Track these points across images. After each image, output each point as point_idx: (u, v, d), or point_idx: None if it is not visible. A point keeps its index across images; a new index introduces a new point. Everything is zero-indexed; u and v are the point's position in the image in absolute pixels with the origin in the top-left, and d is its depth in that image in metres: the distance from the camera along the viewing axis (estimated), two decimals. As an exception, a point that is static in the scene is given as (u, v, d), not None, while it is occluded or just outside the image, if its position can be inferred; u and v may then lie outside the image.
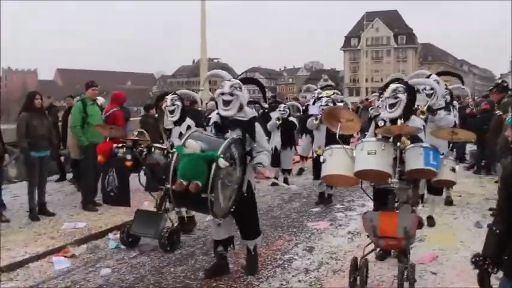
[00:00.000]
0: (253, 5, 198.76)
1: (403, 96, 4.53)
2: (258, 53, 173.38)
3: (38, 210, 6.88)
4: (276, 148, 9.43)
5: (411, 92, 4.64)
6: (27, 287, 4.60)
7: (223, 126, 4.52)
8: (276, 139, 9.55)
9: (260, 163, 4.47)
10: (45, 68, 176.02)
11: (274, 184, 9.18)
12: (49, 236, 6.01)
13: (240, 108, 4.52)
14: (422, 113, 5.64)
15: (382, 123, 4.58)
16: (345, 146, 4.25)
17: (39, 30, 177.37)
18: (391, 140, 4.19)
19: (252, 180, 4.63)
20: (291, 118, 9.70)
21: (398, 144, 4.06)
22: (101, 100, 9.17)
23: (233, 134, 4.42)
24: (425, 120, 5.79)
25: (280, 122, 9.53)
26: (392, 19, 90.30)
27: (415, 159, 4.06)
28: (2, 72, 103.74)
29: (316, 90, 9.08)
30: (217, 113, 4.64)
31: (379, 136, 4.43)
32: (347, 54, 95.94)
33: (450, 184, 4.83)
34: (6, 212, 6.91)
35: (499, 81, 8.33)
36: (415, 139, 4.29)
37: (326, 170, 4.31)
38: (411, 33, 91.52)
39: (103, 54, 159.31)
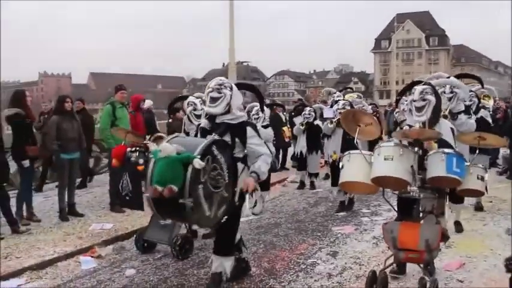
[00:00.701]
0: (282, 7, 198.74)
1: (432, 98, 4.26)
2: (288, 56, 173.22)
3: (68, 211, 7.06)
4: (301, 152, 9.45)
5: (437, 93, 4.42)
6: (55, 285, 4.73)
7: (211, 130, 4.17)
8: (302, 143, 9.49)
9: (255, 172, 4.09)
10: (79, 71, 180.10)
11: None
12: (77, 236, 6.17)
13: (228, 109, 4.17)
14: (445, 117, 5.19)
15: (408, 128, 4.36)
16: (363, 152, 4.08)
17: (73, 37, 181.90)
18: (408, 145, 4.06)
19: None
20: (316, 122, 9.50)
21: (416, 149, 3.88)
22: (148, 103, 9.48)
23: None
24: None
25: (305, 126, 9.40)
26: (424, 20, 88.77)
27: (437, 166, 3.84)
28: (38, 76, 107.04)
29: (335, 93, 8.98)
30: (206, 118, 4.38)
31: (397, 140, 4.22)
32: (377, 56, 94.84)
33: (477, 194, 4.50)
34: (38, 213, 7.12)
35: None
36: (443, 144, 4.07)
37: (344, 177, 4.15)
38: (443, 35, 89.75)
39: (135, 58, 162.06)
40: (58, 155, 6.99)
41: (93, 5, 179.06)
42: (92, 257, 5.48)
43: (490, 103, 8.40)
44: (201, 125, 4.37)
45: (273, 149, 7.72)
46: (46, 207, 7.74)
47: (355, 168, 4.05)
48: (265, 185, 7.41)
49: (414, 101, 4.32)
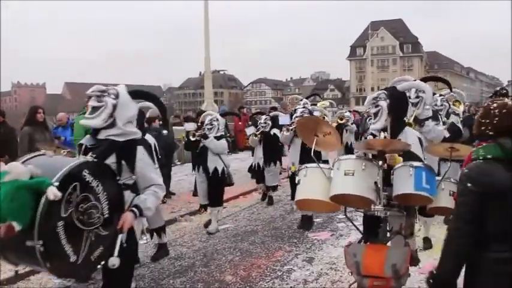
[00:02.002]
0: (258, 16, 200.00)
1: (383, 104, 3.86)
2: (265, 64, 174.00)
3: None
4: (258, 164, 8.79)
5: (397, 98, 3.96)
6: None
7: (93, 148, 3.18)
8: (258, 154, 8.79)
9: (137, 206, 3.09)
10: (54, 81, 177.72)
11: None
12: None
13: (113, 123, 3.17)
14: (409, 124, 4.70)
15: (372, 137, 3.95)
16: (321, 165, 3.63)
17: (47, 43, 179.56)
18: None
19: (139, 227, 3.27)
20: (273, 131, 8.64)
21: (381, 163, 3.45)
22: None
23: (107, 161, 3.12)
24: None
25: (259, 137, 8.66)
26: (398, 28, 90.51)
27: (404, 182, 3.40)
28: (11, 86, 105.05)
29: (302, 100, 8.32)
30: (90, 133, 3.36)
31: (359, 153, 3.86)
32: (353, 63, 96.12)
33: (450, 213, 3.81)
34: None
35: (498, 88, 8.26)
36: (410, 156, 3.61)
37: (299, 194, 3.69)
38: (417, 42, 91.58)
39: (110, 67, 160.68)
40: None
41: (69, 13, 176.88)
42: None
43: (460, 108, 8.05)
44: (82, 141, 3.33)
45: (228, 162, 7.18)
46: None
47: (312, 184, 3.57)
48: (217, 201, 7.03)
49: (369, 108, 4.05)
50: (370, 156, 3.69)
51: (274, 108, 12.87)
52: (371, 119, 9.09)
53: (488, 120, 2.33)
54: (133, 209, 3.08)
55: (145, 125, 8.92)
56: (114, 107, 3.17)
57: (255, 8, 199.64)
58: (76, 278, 3.10)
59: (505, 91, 7.42)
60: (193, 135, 7.00)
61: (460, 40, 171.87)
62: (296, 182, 3.76)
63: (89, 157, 3.06)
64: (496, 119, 2.30)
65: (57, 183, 2.66)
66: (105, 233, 2.95)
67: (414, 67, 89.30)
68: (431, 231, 5.87)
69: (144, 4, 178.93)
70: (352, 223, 3.96)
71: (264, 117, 9.01)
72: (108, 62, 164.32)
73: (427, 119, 5.16)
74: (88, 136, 3.35)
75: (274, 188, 8.98)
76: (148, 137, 5.33)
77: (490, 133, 2.32)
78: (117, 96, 3.22)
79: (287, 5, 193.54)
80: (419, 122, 5.09)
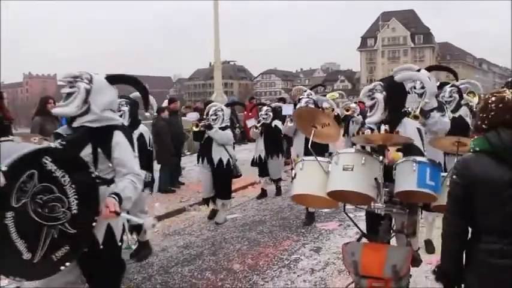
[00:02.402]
0: (269, 6, 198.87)
1: (379, 96, 3.65)
2: (275, 55, 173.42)
3: None
4: (260, 157, 8.53)
5: (393, 89, 3.75)
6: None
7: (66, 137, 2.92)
8: (260, 147, 8.56)
9: (116, 195, 2.77)
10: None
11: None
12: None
13: (87, 110, 2.92)
14: (416, 117, 4.54)
15: (370, 131, 3.71)
16: (319, 158, 3.41)
17: (58, 36, 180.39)
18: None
19: (118, 224, 2.95)
20: (275, 122, 8.47)
21: (382, 158, 3.25)
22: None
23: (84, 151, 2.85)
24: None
25: (261, 128, 8.47)
26: (409, 19, 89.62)
27: (406, 178, 3.20)
28: (23, 77, 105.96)
29: (305, 91, 8.07)
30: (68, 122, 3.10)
31: (359, 146, 3.70)
32: (363, 54, 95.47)
33: None
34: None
35: (510, 79, 8.11)
36: (410, 149, 3.43)
37: (295, 188, 3.49)
38: (428, 33, 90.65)
39: (121, 58, 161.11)
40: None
41: (82, 5, 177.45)
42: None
43: (474, 100, 7.84)
44: (58, 131, 3.10)
45: (233, 152, 7.05)
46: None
47: (309, 178, 3.38)
48: (226, 193, 6.97)
49: (365, 99, 3.85)
50: (370, 150, 3.54)
51: (282, 99, 12.68)
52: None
53: (485, 114, 2.32)
54: (114, 196, 2.75)
55: (155, 114, 8.91)
56: (88, 92, 2.95)
57: (262, 0, 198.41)
58: (31, 279, 2.59)
59: (516, 82, 7.32)
60: (196, 126, 6.89)
61: (472, 32, 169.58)
62: (293, 175, 3.56)
63: (54, 144, 2.75)
64: (492, 113, 2.29)
65: (4, 168, 2.33)
66: (72, 231, 2.61)
67: (426, 58, 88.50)
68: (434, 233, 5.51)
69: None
70: (351, 220, 3.79)
71: (265, 108, 8.80)
72: (119, 55, 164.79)
73: (431, 110, 4.90)
74: (65, 126, 3.11)
75: (279, 181, 8.81)
76: (142, 128, 5.28)
77: (485, 127, 2.32)
78: (90, 80, 2.99)
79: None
80: (424, 114, 4.84)
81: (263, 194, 8.72)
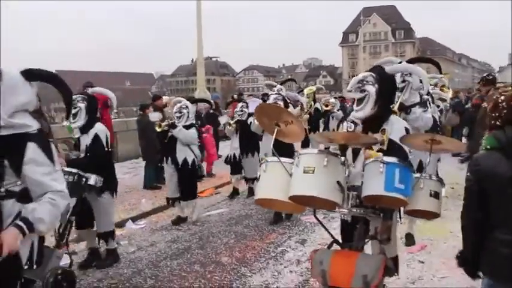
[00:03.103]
0: (250, 2, 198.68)
1: (372, 89, 3.28)
2: (257, 51, 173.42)
3: None
4: (234, 155, 8.17)
5: (386, 82, 3.38)
6: (28, 282, 4.77)
7: None
8: (234, 145, 8.18)
9: (25, 219, 2.30)
10: (45, 69, 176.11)
11: None
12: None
13: None
14: (393, 112, 4.12)
15: (352, 127, 3.36)
16: (283, 159, 3.10)
17: (37, 33, 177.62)
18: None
19: (24, 248, 2.40)
20: (251, 119, 7.61)
21: (343, 159, 2.95)
22: (166, 99, 9.43)
23: None
24: None
25: (234, 126, 8.09)
26: (390, 14, 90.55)
27: (373, 181, 2.89)
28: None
29: (275, 87, 7.77)
30: None
31: (321, 146, 3.46)
32: (345, 50, 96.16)
33: (430, 216, 3.44)
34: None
35: (485, 74, 8.38)
36: (393, 149, 3.14)
37: (258, 192, 3.20)
38: (409, 28, 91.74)
39: (102, 56, 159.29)
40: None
41: (59, 3, 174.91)
42: (66, 253, 5.51)
43: (448, 95, 7.87)
44: None
45: (198, 152, 6.76)
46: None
47: (272, 181, 3.11)
48: (191, 193, 6.68)
49: (352, 91, 3.46)
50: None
51: (266, 95, 12.76)
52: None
53: (497, 113, 2.45)
54: (19, 223, 2.29)
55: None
56: None
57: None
58: None
59: (491, 77, 7.55)
60: (159, 126, 6.59)
61: (451, 27, 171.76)
62: (257, 177, 3.23)
63: None
64: (504, 111, 2.42)
65: None
66: None
67: (406, 53, 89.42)
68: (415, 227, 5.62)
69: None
70: (321, 224, 3.45)
71: (240, 104, 8.25)
72: (99, 52, 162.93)
73: (413, 105, 4.69)
74: None
75: (254, 181, 7.85)
76: (99, 128, 4.86)
77: (499, 124, 2.44)
78: None
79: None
80: (405, 109, 4.61)
81: (235, 192, 8.45)
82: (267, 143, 6.35)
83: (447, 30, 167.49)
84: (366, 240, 3.21)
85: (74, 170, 4.45)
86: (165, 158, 6.72)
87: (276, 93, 6.86)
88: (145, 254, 5.46)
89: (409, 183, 2.95)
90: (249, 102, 7.72)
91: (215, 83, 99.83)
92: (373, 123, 3.31)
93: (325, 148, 3.37)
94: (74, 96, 4.45)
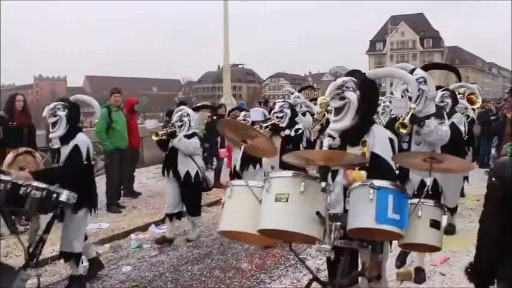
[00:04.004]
0: (277, 10, 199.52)
1: (353, 97, 2.89)
2: (283, 58, 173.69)
3: None
4: (235, 167, 6.91)
5: (368, 88, 2.99)
6: (54, 281, 4.92)
7: None
8: (236, 156, 7.15)
9: None
10: (74, 75, 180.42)
11: None
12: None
13: None
14: (403, 125, 3.88)
15: (327, 142, 2.77)
16: (251, 183, 2.68)
17: (68, 39, 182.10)
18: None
19: None
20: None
21: (324, 184, 2.42)
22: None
23: None
24: (410, 135, 4.16)
25: None
26: (418, 22, 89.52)
27: (362, 211, 2.45)
28: (33, 80, 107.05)
29: (293, 94, 7.36)
30: None
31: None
32: (372, 58, 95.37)
33: (429, 250, 2.96)
34: (36, 213, 7.28)
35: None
36: (379, 168, 2.74)
37: (221, 222, 2.76)
38: (437, 36, 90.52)
39: (130, 61, 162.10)
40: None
41: (89, 6, 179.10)
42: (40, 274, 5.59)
43: (476, 104, 7.48)
44: None
45: (202, 163, 6.18)
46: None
47: (238, 209, 2.66)
48: (196, 209, 6.16)
49: (331, 99, 3.05)
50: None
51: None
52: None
53: None
54: None
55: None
56: None
57: (272, 3, 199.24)
58: None
59: (521, 87, 7.38)
60: (156, 134, 5.96)
61: (482, 35, 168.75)
62: (222, 204, 2.82)
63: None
64: None
65: None
66: None
67: (435, 62, 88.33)
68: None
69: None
70: (299, 259, 3.15)
71: (243, 113, 7.48)
72: (127, 57, 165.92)
73: (427, 116, 4.16)
74: None
75: None
76: (80, 138, 4.43)
77: None
78: None
79: (305, 0, 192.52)
80: (418, 121, 4.11)
81: None
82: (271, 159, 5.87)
83: (477, 39, 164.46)
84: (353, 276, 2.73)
85: (43, 185, 3.95)
86: (166, 171, 6.09)
87: (282, 101, 6.57)
88: (167, 258, 5.55)
89: (405, 212, 2.50)
90: (250, 111, 7.21)
91: (241, 90, 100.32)
92: (353, 136, 2.91)
93: (301, 170, 2.75)
94: (53, 104, 4.46)
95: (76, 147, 4.34)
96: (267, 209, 2.47)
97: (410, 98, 4.13)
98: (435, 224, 2.71)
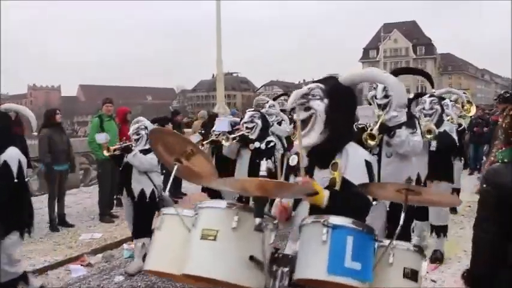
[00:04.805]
0: (269, 18, 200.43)
1: (319, 106, 2.40)
2: (277, 66, 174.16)
3: (58, 222, 7.22)
4: None
5: (341, 97, 2.47)
6: (45, 292, 4.90)
7: None
8: None
9: None
10: (68, 84, 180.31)
11: None
12: (67, 245, 6.34)
13: None
14: (371, 137, 3.52)
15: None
16: (181, 210, 2.19)
17: (60, 48, 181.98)
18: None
19: None
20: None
21: (258, 221, 1.85)
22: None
23: None
24: (379, 147, 3.78)
25: (207, 146, 6.58)
26: (411, 30, 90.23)
27: (311, 256, 1.90)
28: (27, 89, 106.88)
29: (267, 103, 6.94)
30: None
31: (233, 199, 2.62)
32: (365, 66, 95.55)
33: None
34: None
35: (502, 91, 8.29)
36: (350, 196, 2.22)
37: (147, 259, 2.24)
38: (430, 44, 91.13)
39: (124, 70, 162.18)
40: (49, 167, 7.17)
41: (83, 15, 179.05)
42: (81, 265, 5.66)
43: (471, 112, 7.31)
44: None
45: (159, 181, 5.42)
46: (37, 218, 7.81)
47: (166, 244, 2.16)
48: (142, 231, 5.27)
49: (291, 110, 2.75)
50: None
51: (283, 111, 12.52)
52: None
53: None
54: None
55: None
56: None
57: (265, 10, 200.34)
58: None
59: (508, 95, 7.47)
60: (107, 150, 5.52)
61: (473, 42, 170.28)
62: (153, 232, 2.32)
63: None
64: None
65: None
66: None
67: (427, 69, 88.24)
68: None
69: (153, 4, 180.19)
70: None
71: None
72: (119, 65, 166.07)
73: (399, 126, 3.75)
74: None
75: None
76: (10, 153, 4.06)
77: None
78: None
79: (298, 7, 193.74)
80: (387, 131, 3.73)
81: None
82: (240, 170, 5.49)
83: (469, 46, 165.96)
84: None
85: None
86: (121, 188, 5.51)
87: (253, 110, 5.95)
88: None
89: (370, 259, 1.92)
90: (216, 120, 6.53)
91: (236, 98, 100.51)
92: (323, 155, 2.38)
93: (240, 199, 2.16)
94: None
95: (5, 164, 3.96)
96: (192, 248, 1.95)
97: (379, 106, 3.82)
98: (411, 275, 2.05)
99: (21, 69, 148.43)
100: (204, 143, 6.53)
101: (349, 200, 2.20)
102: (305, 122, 2.43)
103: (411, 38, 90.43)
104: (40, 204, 8.72)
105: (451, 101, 6.96)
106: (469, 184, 9.70)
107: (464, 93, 7.87)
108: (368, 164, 2.41)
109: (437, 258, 5.33)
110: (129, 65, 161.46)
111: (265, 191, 1.91)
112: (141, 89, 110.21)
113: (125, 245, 6.44)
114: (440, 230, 5.35)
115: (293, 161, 2.47)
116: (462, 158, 7.23)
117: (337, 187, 2.27)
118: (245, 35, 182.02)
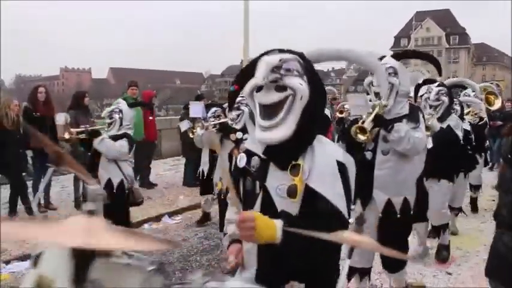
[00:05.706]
0: (300, 4, 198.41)
1: (301, 86, 1.74)
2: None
3: (83, 200, 7.44)
4: (203, 171, 6.22)
5: (317, 76, 1.87)
6: None
7: None
8: (205, 158, 6.18)
9: None
10: (99, 66, 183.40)
11: None
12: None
13: None
14: (362, 130, 3.05)
15: (243, 161, 1.88)
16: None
17: (91, 30, 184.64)
18: None
19: None
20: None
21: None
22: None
23: None
24: (375, 142, 3.20)
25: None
26: (444, 18, 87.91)
27: None
28: (59, 71, 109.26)
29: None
30: None
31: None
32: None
33: None
34: (55, 201, 7.56)
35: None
36: (316, 210, 1.66)
37: None
38: (464, 33, 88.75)
39: (154, 53, 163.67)
40: (77, 147, 7.38)
41: (118, 6, 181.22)
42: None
43: (495, 105, 6.58)
44: None
45: (129, 171, 4.82)
46: (63, 196, 8.17)
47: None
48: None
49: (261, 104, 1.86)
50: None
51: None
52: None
53: None
54: None
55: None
56: None
57: (294, 2, 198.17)
58: None
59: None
60: (70, 133, 4.93)
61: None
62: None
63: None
64: None
65: None
66: None
67: (461, 59, 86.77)
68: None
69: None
70: None
71: (213, 109, 5.77)
72: (149, 51, 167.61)
73: (398, 119, 3.20)
74: None
75: None
76: None
77: None
78: None
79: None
80: (385, 124, 3.17)
81: (204, 218, 6.75)
82: (221, 162, 4.88)
83: (505, 35, 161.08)
84: None
85: None
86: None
87: (240, 97, 4.73)
88: (177, 248, 5.68)
89: None
90: (190, 105, 6.10)
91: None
92: (281, 153, 1.76)
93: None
94: None
95: None
96: None
97: (377, 94, 3.24)
98: None
99: (53, 52, 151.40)
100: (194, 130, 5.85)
101: (312, 227, 1.47)
102: (274, 108, 1.72)
103: (444, 27, 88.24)
104: (66, 182, 9.07)
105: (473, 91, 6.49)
106: (491, 178, 9.53)
107: (497, 84, 7.49)
108: (341, 166, 1.74)
109: (444, 256, 5.11)
110: (158, 49, 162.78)
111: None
112: (170, 73, 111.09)
113: (145, 225, 6.65)
114: (440, 228, 5.11)
115: (241, 161, 1.88)
116: (482, 154, 7.06)
117: (297, 199, 1.69)
118: (273, 21, 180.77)
